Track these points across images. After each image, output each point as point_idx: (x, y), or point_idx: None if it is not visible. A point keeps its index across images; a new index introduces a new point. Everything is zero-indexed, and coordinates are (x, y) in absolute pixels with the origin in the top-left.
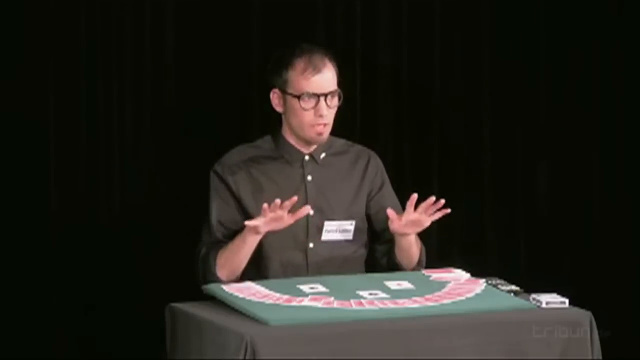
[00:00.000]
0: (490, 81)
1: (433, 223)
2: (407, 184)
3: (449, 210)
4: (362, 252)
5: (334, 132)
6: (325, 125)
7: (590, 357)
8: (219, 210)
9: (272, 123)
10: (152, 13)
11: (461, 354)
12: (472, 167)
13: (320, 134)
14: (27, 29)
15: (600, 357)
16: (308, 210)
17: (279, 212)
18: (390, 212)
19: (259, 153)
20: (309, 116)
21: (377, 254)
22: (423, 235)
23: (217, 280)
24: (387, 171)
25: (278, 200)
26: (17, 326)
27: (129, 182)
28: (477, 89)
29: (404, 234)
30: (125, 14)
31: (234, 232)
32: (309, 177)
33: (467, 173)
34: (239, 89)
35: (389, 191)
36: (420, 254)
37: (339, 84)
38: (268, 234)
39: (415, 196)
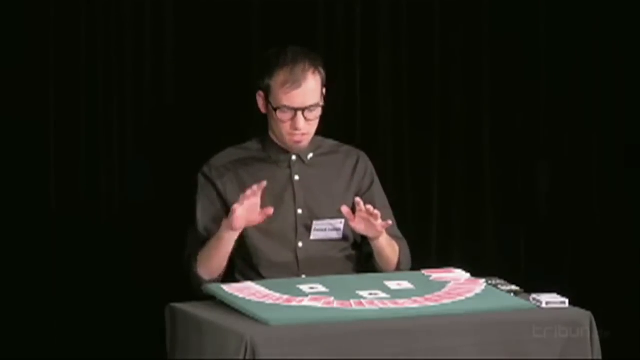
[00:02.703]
0: (490, 81)
1: (433, 223)
2: (407, 184)
3: (389, 223)
4: (352, 251)
5: (332, 133)
6: (303, 135)
7: (590, 357)
8: (204, 212)
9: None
10: (152, 13)
11: (461, 354)
12: (472, 167)
13: (298, 142)
14: (27, 29)
15: (600, 357)
16: (271, 211)
17: (253, 200)
18: (344, 208)
19: (247, 155)
20: (286, 127)
21: (363, 254)
22: (424, 235)
23: (200, 280)
24: (387, 171)
25: (255, 186)
26: (16, 326)
27: (129, 182)
28: (477, 89)
29: (371, 236)
30: (125, 14)
31: None
32: (297, 177)
33: (467, 173)
34: (238, 89)
35: (378, 191)
36: (400, 260)
37: (328, 89)
38: (257, 234)
39: (358, 199)
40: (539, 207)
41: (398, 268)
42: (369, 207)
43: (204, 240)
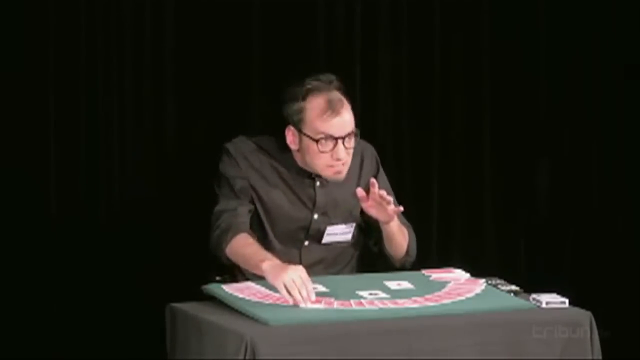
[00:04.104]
0: (490, 81)
1: (433, 223)
2: (407, 184)
3: (400, 209)
4: (355, 243)
5: None
6: (343, 164)
7: (590, 357)
8: (237, 179)
9: (272, 123)
10: (152, 13)
11: (461, 354)
12: (472, 167)
13: (338, 172)
14: (27, 30)
15: (600, 357)
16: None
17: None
18: (359, 190)
19: (267, 156)
20: (325, 158)
21: (370, 241)
22: (424, 235)
23: (222, 256)
24: (387, 170)
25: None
26: (17, 326)
27: (129, 182)
28: (477, 89)
29: (383, 220)
30: (125, 14)
31: (250, 199)
32: (318, 183)
33: (467, 173)
34: (238, 89)
35: (382, 179)
36: (409, 245)
37: (356, 123)
38: (269, 229)
39: (373, 180)
40: (539, 207)
41: (407, 253)
42: (382, 192)
43: (239, 199)
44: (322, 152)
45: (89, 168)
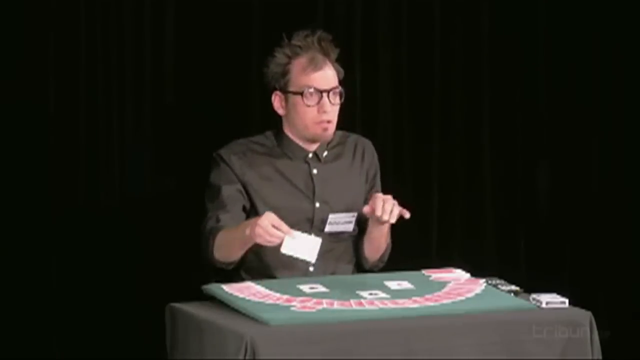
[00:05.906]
0: (490, 81)
1: (433, 223)
2: (407, 184)
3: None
4: (355, 238)
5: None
6: (329, 122)
7: (590, 357)
8: (227, 184)
9: (273, 122)
10: (152, 12)
11: (461, 354)
12: (472, 167)
13: (325, 129)
14: (27, 29)
15: (600, 357)
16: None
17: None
18: (366, 209)
19: (261, 149)
20: (312, 113)
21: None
22: (424, 235)
23: (213, 261)
24: (387, 171)
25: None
26: (16, 326)
27: (129, 182)
28: (477, 89)
29: (382, 221)
30: (125, 14)
31: (240, 207)
32: (315, 171)
33: (467, 173)
34: (239, 89)
35: (378, 182)
36: (385, 251)
37: (341, 82)
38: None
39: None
40: (539, 207)
41: (381, 258)
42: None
43: (225, 207)
44: (308, 105)
45: (88, 168)
